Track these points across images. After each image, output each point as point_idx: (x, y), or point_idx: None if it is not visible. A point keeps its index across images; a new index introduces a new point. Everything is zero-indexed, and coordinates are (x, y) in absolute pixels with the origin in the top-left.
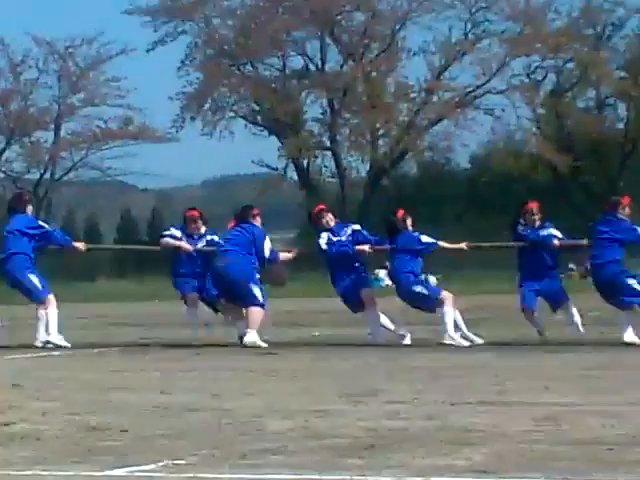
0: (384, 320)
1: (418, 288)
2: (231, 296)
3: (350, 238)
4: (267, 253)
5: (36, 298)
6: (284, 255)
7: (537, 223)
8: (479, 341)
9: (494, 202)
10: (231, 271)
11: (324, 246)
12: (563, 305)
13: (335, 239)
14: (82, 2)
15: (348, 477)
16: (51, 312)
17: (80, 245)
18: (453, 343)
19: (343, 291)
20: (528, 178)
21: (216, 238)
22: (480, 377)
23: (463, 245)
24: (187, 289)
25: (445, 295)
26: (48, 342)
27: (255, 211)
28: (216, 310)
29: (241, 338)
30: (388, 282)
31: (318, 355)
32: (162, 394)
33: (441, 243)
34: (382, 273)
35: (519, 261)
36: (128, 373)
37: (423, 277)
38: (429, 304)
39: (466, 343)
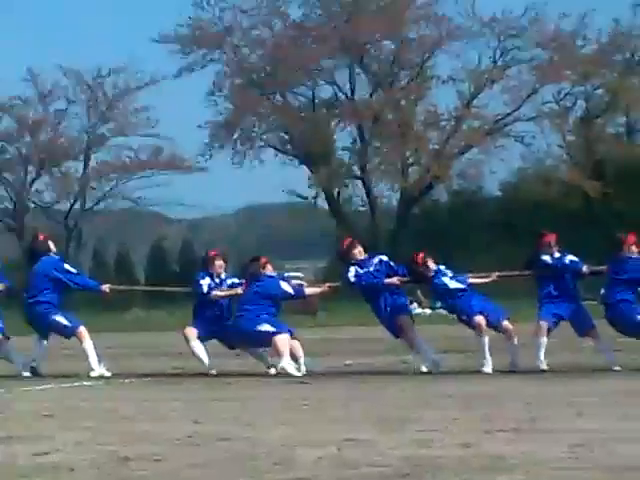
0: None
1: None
2: (250, 346)
3: (378, 268)
4: (291, 292)
5: (70, 334)
6: (311, 290)
7: (556, 254)
8: (487, 370)
9: (525, 229)
10: (238, 333)
11: (352, 279)
12: (590, 332)
13: (362, 271)
14: (110, 32)
15: None
16: (87, 345)
17: (105, 288)
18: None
19: (382, 318)
20: (558, 205)
21: (236, 280)
22: (513, 404)
23: (494, 276)
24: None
25: (477, 320)
26: (101, 376)
27: (263, 261)
28: (232, 347)
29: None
30: (419, 310)
31: (350, 384)
32: (194, 424)
33: (471, 280)
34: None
35: (541, 291)
36: (160, 403)
37: None
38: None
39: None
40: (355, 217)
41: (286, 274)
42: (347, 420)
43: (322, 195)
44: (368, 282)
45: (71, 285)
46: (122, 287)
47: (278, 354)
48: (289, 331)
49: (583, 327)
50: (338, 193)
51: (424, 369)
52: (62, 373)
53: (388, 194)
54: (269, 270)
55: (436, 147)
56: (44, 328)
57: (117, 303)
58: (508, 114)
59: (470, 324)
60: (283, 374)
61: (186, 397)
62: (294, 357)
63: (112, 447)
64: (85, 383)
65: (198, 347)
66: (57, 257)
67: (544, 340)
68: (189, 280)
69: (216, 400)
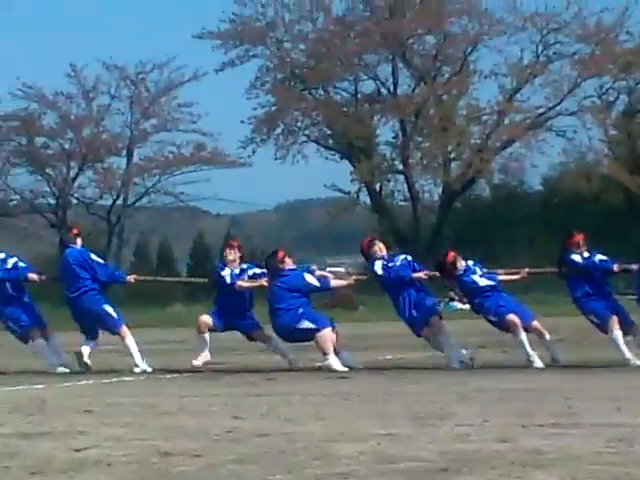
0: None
1: (491, 317)
2: (292, 342)
3: (404, 263)
4: (317, 284)
5: (117, 328)
6: (337, 282)
7: (585, 254)
8: (539, 365)
9: (566, 224)
10: (280, 331)
11: (380, 271)
12: (630, 330)
13: (390, 264)
14: (153, 27)
15: None
16: (129, 341)
17: (131, 279)
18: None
19: (404, 315)
20: (599, 200)
21: (258, 270)
22: (550, 399)
23: (524, 273)
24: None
25: (510, 319)
26: (143, 371)
27: (280, 255)
28: (252, 339)
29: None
30: (460, 306)
31: (390, 378)
32: (234, 419)
33: (500, 277)
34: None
35: (576, 290)
36: (200, 398)
37: None
38: (501, 327)
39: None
40: (397, 212)
41: (328, 268)
42: (386, 415)
43: (364, 190)
44: (396, 275)
45: (97, 275)
46: (148, 278)
47: (322, 352)
48: (330, 324)
49: (625, 324)
50: (380, 188)
51: (456, 365)
52: (102, 369)
53: (430, 189)
54: (288, 264)
55: (478, 142)
56: (93, 319)
57: (159, 298)
58: (550, 108)
59: (501, 325)
60: (325, 369)
61: (226, 392)
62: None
63: (152, 442)
64: (125, 379)
65: (205, 340)
66: (83, 248)
67: (619, 333)
68: None
69: (256, 395)
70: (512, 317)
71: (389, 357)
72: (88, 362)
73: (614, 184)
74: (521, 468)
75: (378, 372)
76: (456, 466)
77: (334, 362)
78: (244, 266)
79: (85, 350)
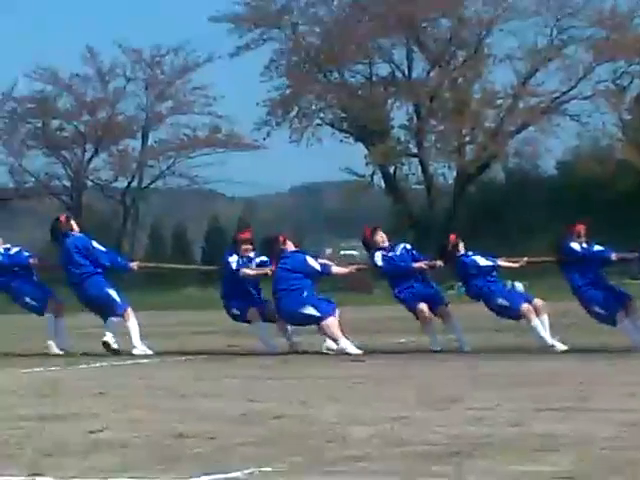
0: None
1: (501, 301)
2: (295, 325)
3: (404, 253)
4: (318, 268)
5: (117, 311)
6: (338, 269)
7: (584, 244)
8: (563, 347)
9: (580, 208)
10: (283, 314)
11: (380, 263)
12: (628, 307)
13: (389, 255)
14: (168, 10)
15: None
16: (132, 323)
17: (134, 265)
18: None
19: (407, 303)
20: (614, 184)
21: (265, 259)
22: (564, 383)
23: (523, 262)
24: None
25: (525, 307)
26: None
27: (282, 238)
28: (270, 320)
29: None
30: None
31: (403, 362)
32: (249, 401)
33: (500, 263)
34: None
35: (576, 280)
36: (215, 380)
37: (509, 284)
38: (512, 315)
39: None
40: (411, 195)
41: (342, 252)
42: (399, 398)
43: (378, 173)
44: (396, 265)
45: (99, 261)
46: (151, 264)
47: (332, 339)
48: (333, 310)
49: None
50: (394, 171)
51: (467, 349)
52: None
53: (444, 172)
54: (290, 246)
55: (492, 125)
56: (98, 304)
57: (173, 281)
58: (564, 93)
59: (512, 311)
60: (339, 353)
61: (241, 375)
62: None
63: (166, 425)
64: (139, 361)
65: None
66: (83, 235)
67: (628, 321)
68: None
69: (271, 378)
70: (525, 306)
71: (402, 340)
72: (116, 347)
73: (628, 168)
74: (533, 452)
75: (392, 356)
76: (468, 450)
77: (346, 345)
78: (251, 255)
79: (109, 338)
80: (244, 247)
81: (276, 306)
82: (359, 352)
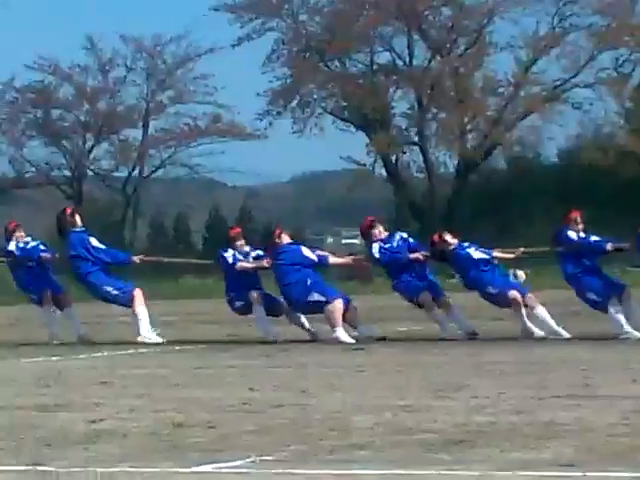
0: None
1: (490, 289)
2: (304, 314)
3: (400, 244)
4: (314, 259)
5: (124, 303)
6: (335, 260)
7: (581, 233)
8: (566, 335)
9: (582, 196)
10: (293, 305)
11: (377, 255)
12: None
13: (387, 246)
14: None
15: (435, 472)
16: (139, 310)
17: (136, 259)
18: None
19: (406, 294)
20: (616, 172)
21: (261, 252)
22: (567, 371)
23: (519, 252)
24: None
25: (513, 295)
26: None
27: (277, 232)
28: (275, 315)
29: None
30: None
31: (405, 350)
32: (249, 390)
33: (495, 254)
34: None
35: (573, 267)
36: (215, 370)
37: (511, 272)
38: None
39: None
40: (413, 184)
41: (343, 241)
42: (402, 387)
43: (380, 162)
44: (393, 257)
45: (100, 260)
46: (153, 258)
47: (330, 324)
48: (342, 297)
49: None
50: (396, 159)
51: (473, 330)
52: (117, 340)
53: (445, 160)
54: (286, 239)
55: (494, 114)
56: (103, 298)
57: (171, 270)
58: (566, 80)
59: (501, 299)
60: (333, 342)
61: (241, 364)
62: (353, 324)
63: (166, 414)
64: (140, 350)
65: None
66: (84, 233)
67: (619, 308)
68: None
69: (271, 367)
70: (514, 293)
71: (404, 329)
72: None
73: (630, 156)
74: (536, 440)
75: (394, 344)
76: (472, 438)
77: (342, 334)
78: (247, 249)
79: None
80: (238, 243)
81: (286, 300)
82: (353, 342)
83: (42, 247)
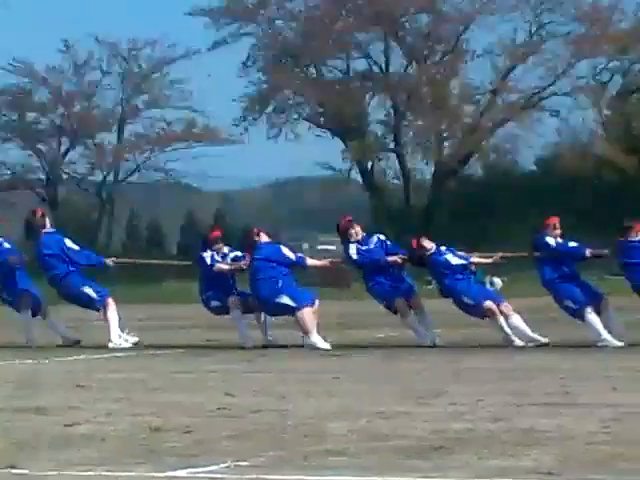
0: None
1: (466, 299)
2: (270, 315)
3: (378, 246)
4: (292, 258)
5: (97, 307)
6: (312, 262)
7: (559, 239)
8: (544, 340)
9: (560, 204)
10: (261, 304)
11: (355, 256)
12: (598, 305)
13: (364, 248)
14: (145, 4)
15: (411, 479)
16: (111, 316)
17: (109, 262)
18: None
19: (381, 297)
20: (594, 180)
21: (239, 254)
22: (546, 378)
23: (497, 257)
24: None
25: (488, 305)
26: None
27: (255, 231)
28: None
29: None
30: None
31: (382, 357)
32: (226, 396)
33: (473, 259)
34: None
35: (551, 273)
36: (193, 374)
37: (488, 280)
38: (476, 313)
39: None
40: (389, 190)
41: (320, 246)
42: (378, 393)
43: (356, 168)
44: (370, 259)
45: (74, 261)
46: (128, 260)
47: (304, 331)
48: (313, 301)
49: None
50: (372, 166)
51: (429, 343)
52: (94, 344)
53: (422, 168)
54: (264, 238)
55: (471, 121)
56: (77, 301)
57: (151, 274)
58: (544, 88)
59: (476, 309)
60: (308, 348)
61: (219, 369)
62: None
63: (144, 418)
64: (117, 354)
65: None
66: (57, 234)
67: (595, 316)
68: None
69: (249, 372)
70: (489, 304)
71: (381, 335)
72: (131, 340)
73: (608, 165)
74: (515, 447)
75: (370, 350)
76: (449, 445)
77: (316, 340)
78: (226, 250)
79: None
80: (216, 246)
81: (254, 295)
82: (329, 347)
83: (7, 246)
